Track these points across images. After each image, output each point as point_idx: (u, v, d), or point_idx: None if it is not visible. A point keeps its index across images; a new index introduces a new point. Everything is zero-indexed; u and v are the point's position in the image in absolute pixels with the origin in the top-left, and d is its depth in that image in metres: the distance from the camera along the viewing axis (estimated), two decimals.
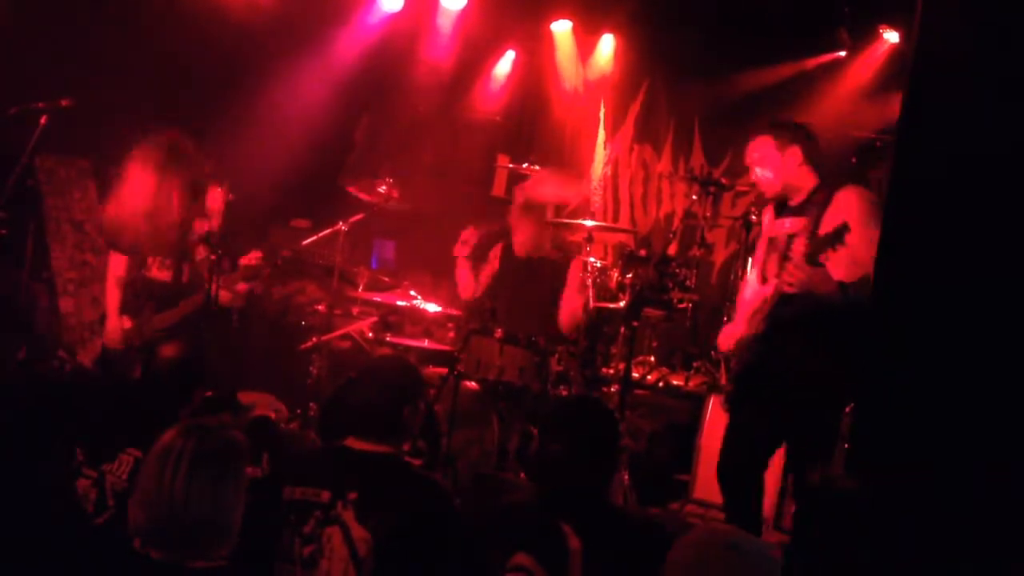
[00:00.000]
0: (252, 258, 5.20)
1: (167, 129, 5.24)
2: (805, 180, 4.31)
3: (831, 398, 4.23)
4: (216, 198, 5.46)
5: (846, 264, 4.01)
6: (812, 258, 3.99)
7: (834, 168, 6.67)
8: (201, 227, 5.38)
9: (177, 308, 5.27)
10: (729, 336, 4.50)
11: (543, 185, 6.07)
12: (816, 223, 4.14)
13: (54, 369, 5.21)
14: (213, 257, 4.93)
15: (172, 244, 5.29)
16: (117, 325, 5.37)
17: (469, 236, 6.13)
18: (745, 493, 4.35)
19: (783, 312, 4.20)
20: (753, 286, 4.53)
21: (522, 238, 5.97)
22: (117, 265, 5.43)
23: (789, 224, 4.29)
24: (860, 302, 3.93)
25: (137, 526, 2.40)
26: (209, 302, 4.92)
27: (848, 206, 4.10)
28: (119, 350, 5.32)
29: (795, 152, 4.31)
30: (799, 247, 4.14)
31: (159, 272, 5.41)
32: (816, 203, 4.20)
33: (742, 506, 4.33)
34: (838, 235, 3.88)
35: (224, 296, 5.16)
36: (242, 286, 5.27)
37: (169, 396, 3.58)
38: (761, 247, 4.50)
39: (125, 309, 5.40)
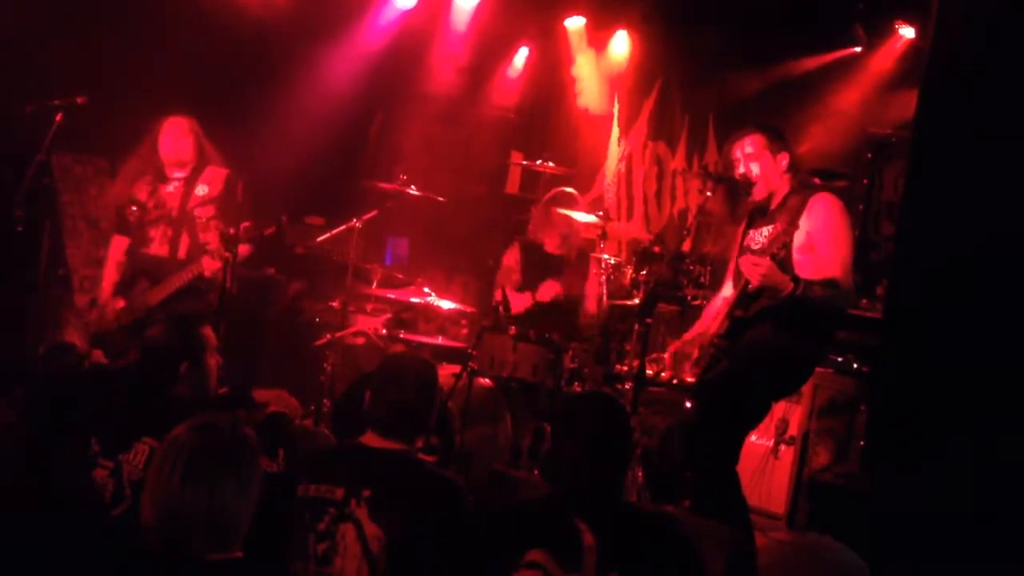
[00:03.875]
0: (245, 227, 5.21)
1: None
2: (782, 186, 4.42)
3: (768, 380, 4.31)
4: (217, 176, 5.51)
5: (812, 267, 4.11)
6: (766, 252, 4.13)
7: (849, 164, 6.72)
8: (201, 191, 5.45)
9: (166, 283, 5.32)
10: (680, 342, 4.58)
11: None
12: (788, 229, 4.24)
13: (72, 364, 5.23)
14: (227, 255, 4.95)
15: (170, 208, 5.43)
16: (108, 304, 5.45)
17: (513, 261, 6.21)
18: (720, 481, 4.35)
19: (747, 310, 4.31)
20: (724, 294, 4.64)
21: (555, 234, 6.08)
22: (117, 248, 5.57)
23: (765, 232, 4.35)
24: (809, 299, 4.09)
25: (145, 520, 2.41)
26: (223, 301, 4.94)
27: (818, 214, 4.22)
28: (110, 331, 5.38)
29: (784, 158, 4.42)
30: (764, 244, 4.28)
31: (159, 247, 5.47)
32: (789, 208, 4.30)
33: (719, 494, 4.31)
34: (789, 231, 4.06)
35: (214, 265, 5.16)
36: (243, 248, 5.19)
37: (157, 375, 3.58)
38: (735, 258, 4.58)
39: (120, 289, 5.47)
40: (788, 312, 4.21)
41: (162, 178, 5.54)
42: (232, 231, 4.96)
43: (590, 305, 5.91)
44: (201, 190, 5.48)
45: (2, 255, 5.77)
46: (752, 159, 4.43)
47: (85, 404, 3.59)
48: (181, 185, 5.51)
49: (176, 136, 5.49)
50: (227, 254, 4.95)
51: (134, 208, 5.53)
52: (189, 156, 5.52)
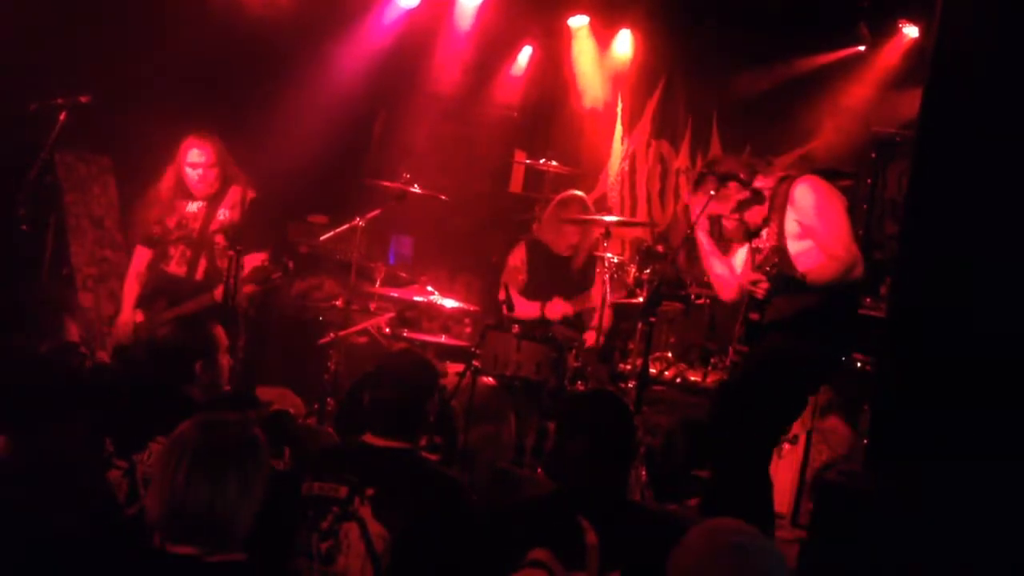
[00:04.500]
0: (258, 259, 5.23)
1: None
2: (764, 191, 4.45)
3: (774, 383, 4.36)
4: (240, 199, 5.52)
5: (816, 257, 4.13)
6: (761, 268, 4.24)
7: (853, 162, 6.71)
8: (222, 216, 5.45)
9: (186, 304, 5.33)
10: None
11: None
12: (781, 225, 4.31)
13: (75, 364, 5.25)
14: (231, 253, 4.98)
15: (193, 231, 5.43)
16: (130, 319, 5.48)
17: (519, 260, 6.18)
18: (737, 483, 4.36)
19: (764, 317, 4.36)
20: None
21: (564, 238, 6.07)
22: (140, 259, 5.58)
23: (766, 234, 4.38)
24: (826, 287, 4.19)
25: (151, 516, 2.42)
26: (227, 296, 4.96)
27: (802, 201, 4.29)
28: (129, 344, 5.40)
29: (732, 187, 4.46)
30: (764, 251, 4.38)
31: (177, 267, 5.49)
32: (777, 207, 4.32)
33: (750, 499, 4.33)
34: (777, 252, 4.19)
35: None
36: (248, 288, 5.27)
37: (171, 375, 3.58)
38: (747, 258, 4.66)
39: (140, 304, 5.48)
40: (799, 317, 4.23)
41: (187, 196, 5.54)
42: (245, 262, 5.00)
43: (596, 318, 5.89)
44: (223, 215, 5.49)
45: (6, 254, 5.78)
46: (727, 209, 4.50)
47: (91, 403, 3.59)
48: (204, 207, 5.52)
49: (202, 169, 5.44)
50: (232, 252, 4.98)
51: (157, 226, 5.55)
52: (215, 187, 5.51)
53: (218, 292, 5.21)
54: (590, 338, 5.77)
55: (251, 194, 5.54)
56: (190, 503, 2.35)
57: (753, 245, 4.54)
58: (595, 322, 5.78)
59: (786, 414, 4.48)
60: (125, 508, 3.29)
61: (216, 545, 2.38)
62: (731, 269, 4.66)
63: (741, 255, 4.69)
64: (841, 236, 4.24)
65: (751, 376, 4.32)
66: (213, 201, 5.51)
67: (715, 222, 4.61)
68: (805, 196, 4.28)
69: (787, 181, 4.40)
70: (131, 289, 5.58)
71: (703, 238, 4.64)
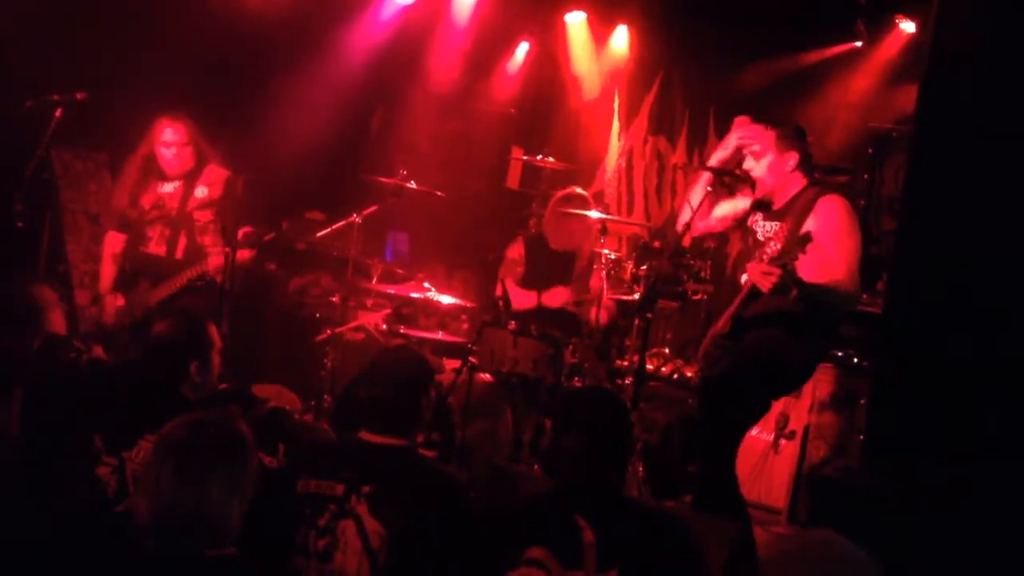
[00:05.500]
0: (242, 232, 5.28)
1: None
2: (793, 184, 4.38)
3: (771, 380, 4.34)
4: (218, 177, 5.53)
5: (817, 267, 4.08)
6: (778, 261, 4.06)
7: (850, 158, 6.71)
8: (200, 194, 5.48)
9: (169, 282, 5.35)
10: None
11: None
12: (795, 229, 4.21)
13: (70, 360, 5.24)
14: (228, 250, 4.99)
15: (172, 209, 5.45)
16: (112, 302, 5.48)
17: (517, 254, 6.17)
18: (719, 477, 4.36)
19: (747, 310, 4.32)
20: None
21: (566, 234, 6.05)
22: (113, 243, 5.61)
23: (771, 228, 4.34)
24: (816, 301, 4.11)
25: (140, 518, 2.42)
26: (222, 302, 4.98)
27: (826, 215, 4.20)
28: (111, 329, 5.41)
29: (792, 157, 4.36)
30: (774, 250, 4.21)
31: (156, 247, 5.50)
32: (797, 210, 4.26)
33: (719, 491, 4.32)
34: (802, 243, 4.01)
35: (218, 261, 5.24)
36: (244, 253, 5.30)
37: (165, 373, 3.57)
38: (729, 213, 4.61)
39: (118, 286, 5.49)
40: (789, 315, 4.21)
41: (162, 177, 5.54)
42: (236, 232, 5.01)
43: (592, 313, 5.88)
44: (201, 192, 5.49)
45: (2, 251, 5.77)
46: (757, 155, 4.41)
47: (84, 400, 3.59)
48: (180, 186, 5.52)
49: (176, 148, 5.45)
50: (228, 249, 5.00)
51: (132, 209, 5.55)
52: (189, 165, 5.52)
53: (203, 265, 5.28)
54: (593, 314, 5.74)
55: (226, 172, 5.54)
56: (178, 503, 2.35)
57: (750, 225, 4.51)
58: (592, 315, 5.78)
59: (765, 407, 4.47)
60: (114, 504, 3.29)
61: (207, 543, 2.38)
62: (704, 210, 4.60)
63: (725, 207, 4.65)
64: (847, 261, 4.15)
65: (737, 371, 4.29)
66: (189, 179, 5.51)
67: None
68: (827, 213, 4.19)
69: (817, 188, 4.34)
70: (108, 272, 5.59)
71: (705, 180, 4.59)
